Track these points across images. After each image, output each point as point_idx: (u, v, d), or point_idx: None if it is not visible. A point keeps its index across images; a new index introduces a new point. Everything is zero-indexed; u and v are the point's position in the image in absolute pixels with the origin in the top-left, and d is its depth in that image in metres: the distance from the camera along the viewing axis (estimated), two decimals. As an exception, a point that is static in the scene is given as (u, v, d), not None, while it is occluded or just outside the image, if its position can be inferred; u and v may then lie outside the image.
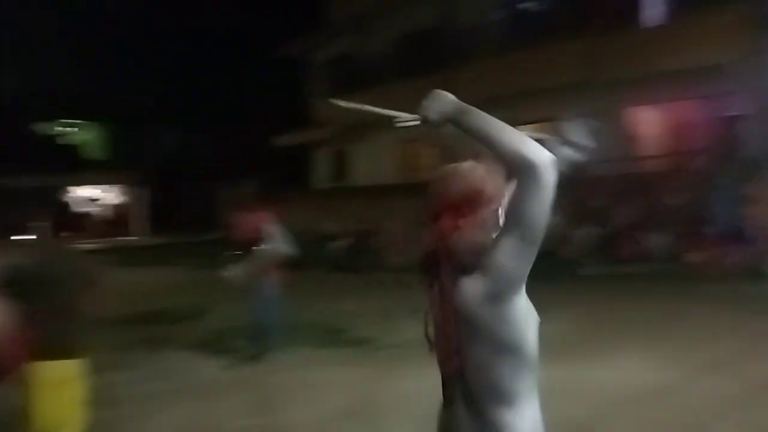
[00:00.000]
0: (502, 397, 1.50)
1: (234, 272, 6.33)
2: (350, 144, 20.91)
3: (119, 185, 28.75)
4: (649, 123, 15.60)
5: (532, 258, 1.47)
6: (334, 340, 7.06)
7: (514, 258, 1.45)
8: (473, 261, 1.51)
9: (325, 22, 21.35)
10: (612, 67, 13.73)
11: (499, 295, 1.47)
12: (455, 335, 1.51)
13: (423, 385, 5.30)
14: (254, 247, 6.32)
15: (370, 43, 19.78)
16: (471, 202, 1.59)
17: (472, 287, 1.49)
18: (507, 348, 1.50)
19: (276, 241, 6.34)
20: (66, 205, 26.88)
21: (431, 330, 1.64)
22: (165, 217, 26.65)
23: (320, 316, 8.14)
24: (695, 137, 15.65)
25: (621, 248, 11.55)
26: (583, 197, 12.75)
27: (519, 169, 1.45)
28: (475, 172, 1.63)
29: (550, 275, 11.08)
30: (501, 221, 1.58)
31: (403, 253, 13.58)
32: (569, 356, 5.97)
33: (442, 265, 1.56)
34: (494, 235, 1.49)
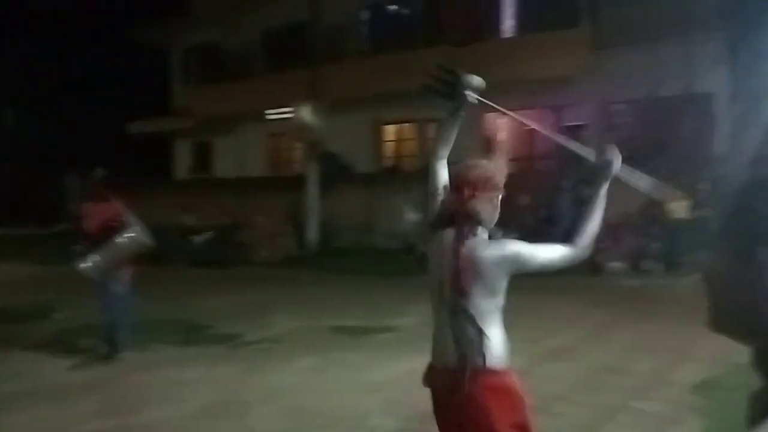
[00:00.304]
0: (490, 319, 2.21)
1: (87, 266, 5.93)
2: (215, 135, 20.28)
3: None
4: (503, 129, 16.69)
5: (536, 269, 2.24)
6: (198, 337, 6.85)
7: (530, 263, 2.21)
8: (486, 226, 2.24)
9: (187, 7, 20.44)
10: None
11: (508, 268, 2.20)
12: (465, 275, 2.16)
13: (291, 379, 5.35)
14: (107, 240, 5.96)
15: (237, 33, 19.27)
16: (484, 183, 2.24)
17: (491, 252, 2.18)
18: (497, 292, 2.21)
19: (131, 232, 6.02)
20: None
21: (438, 269, 2.25)
22: (4, 207, 24.17)
23: (182, 313, 7.86)
24: (543, 143, 16.96)
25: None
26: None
27: (578, 248, 2.26)
28: (489, 165, 2.32)
29: (409, 269, 11.53)
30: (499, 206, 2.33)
31: (271, 246, 13.43)
32: (428, 346, 6.26)
33: (458, 222, 2.20)
34: (533, 245, 2.24)
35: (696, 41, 12.15)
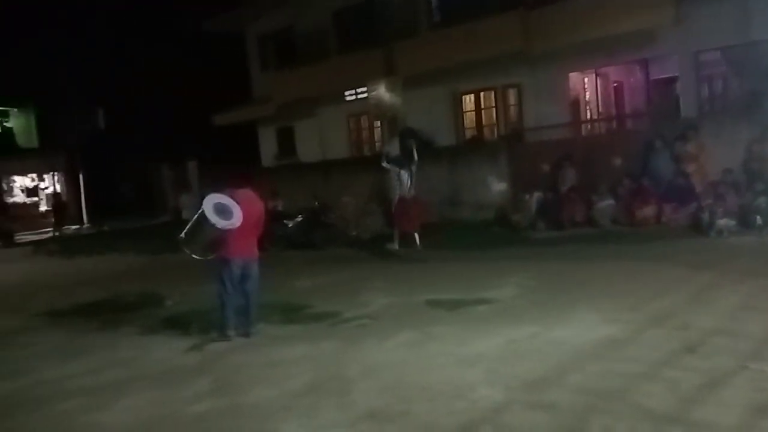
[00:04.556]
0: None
1: (196, 249, 6.26)
2: (297, 120, 20.66)
3: (53, 172, 27.46)
4: (589, 88, 16.01)
5: None
6: (296, 317, 7.07)
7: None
8: None
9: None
10: (549, 35, 13.96)
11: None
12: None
13: (390, 354, 5.45)
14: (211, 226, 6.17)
15: (307, 16, 19.46)
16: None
17: None
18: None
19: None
20: None
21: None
22: (103, 203, 25.56)
23: (281, 294, 8.10)
24: (633, 100, 16.16)
25: (568, 211, 11.87)
26: (529, 163, 13.04)
27: None
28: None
29: (503, 240, 11.37)
30: None
31: (359, 226, 13.64)
32: (526, 317, 6.18)
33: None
34: None
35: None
